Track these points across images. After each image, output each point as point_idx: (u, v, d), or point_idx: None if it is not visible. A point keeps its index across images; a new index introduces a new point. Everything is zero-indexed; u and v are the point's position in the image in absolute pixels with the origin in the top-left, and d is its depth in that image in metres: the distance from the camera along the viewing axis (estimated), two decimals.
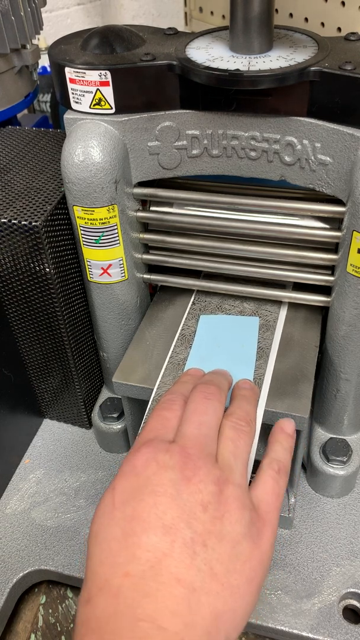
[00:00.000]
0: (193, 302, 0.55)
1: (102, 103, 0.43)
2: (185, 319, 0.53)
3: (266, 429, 0.42)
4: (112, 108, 0.43)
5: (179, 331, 0.52)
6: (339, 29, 0.81)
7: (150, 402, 0.46)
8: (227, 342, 0.50)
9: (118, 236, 0.47)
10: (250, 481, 0.37)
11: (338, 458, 0.53)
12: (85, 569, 0.32)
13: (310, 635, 0.46)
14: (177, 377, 0.46)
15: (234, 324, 0.52)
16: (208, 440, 0.35)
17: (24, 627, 0.51)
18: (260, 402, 0.43)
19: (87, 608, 0.29)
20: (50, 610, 0.52)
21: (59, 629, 0.51)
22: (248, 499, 0.34)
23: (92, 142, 0.43)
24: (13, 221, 0.45)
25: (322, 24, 0.83)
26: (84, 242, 0.47)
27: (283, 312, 0.53)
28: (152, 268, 0.55)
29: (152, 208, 0.51)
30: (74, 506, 0.56)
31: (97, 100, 0.43)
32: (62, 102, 0.45)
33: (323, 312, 0.54)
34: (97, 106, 0.43)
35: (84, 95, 0.42)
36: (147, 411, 0.45)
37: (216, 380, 0.41)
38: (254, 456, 0.39)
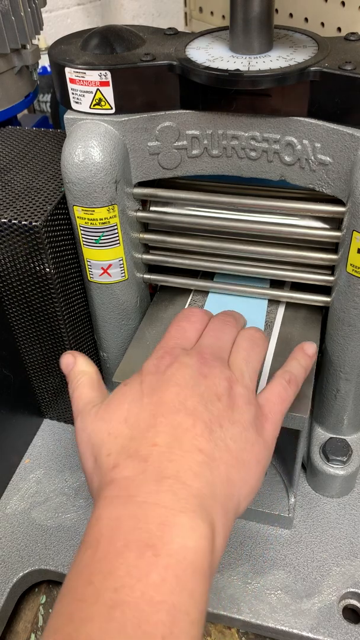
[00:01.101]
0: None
1: (102, 103, 0.43)
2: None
3: None
4: (112, 108, 0.43)
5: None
6: (339, 29, 0.81)
7: None
8: (236, 305, 0.53)
9: (118, 236, 0.47)
10: None
11: (338, 458, 0.53)
12: (110, 452, 0.34)
13: (310, 635, 0.46)
14: None
15: (243, 298, 0.55)
16: (222, 350, 0.40)
17: (24, 627, 0.51)
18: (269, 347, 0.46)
19: (113, 471, 0.33)
20: (50, 610, 0.52)
21: None
22: (254, 398, 0.38)
23: (92, 142, 0.43)
24: (13, 221, 0.45)
25: (322, 24, 0.83)
26: (84, 242, 0.47)
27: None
28: (152, 268, 0.55)
29: (152, 208, 0.51)
30: (74, 506, 0.56)
31: (97, 101, 0.43)
32: (62, 102, 0.45)
33: (323, 312, 0.54)
34: (97, 106, 0.43)
35: (84, 96, 0.42)
36: None
37: (234, 313, 0.45)
38: (260, 372, 0.41)
